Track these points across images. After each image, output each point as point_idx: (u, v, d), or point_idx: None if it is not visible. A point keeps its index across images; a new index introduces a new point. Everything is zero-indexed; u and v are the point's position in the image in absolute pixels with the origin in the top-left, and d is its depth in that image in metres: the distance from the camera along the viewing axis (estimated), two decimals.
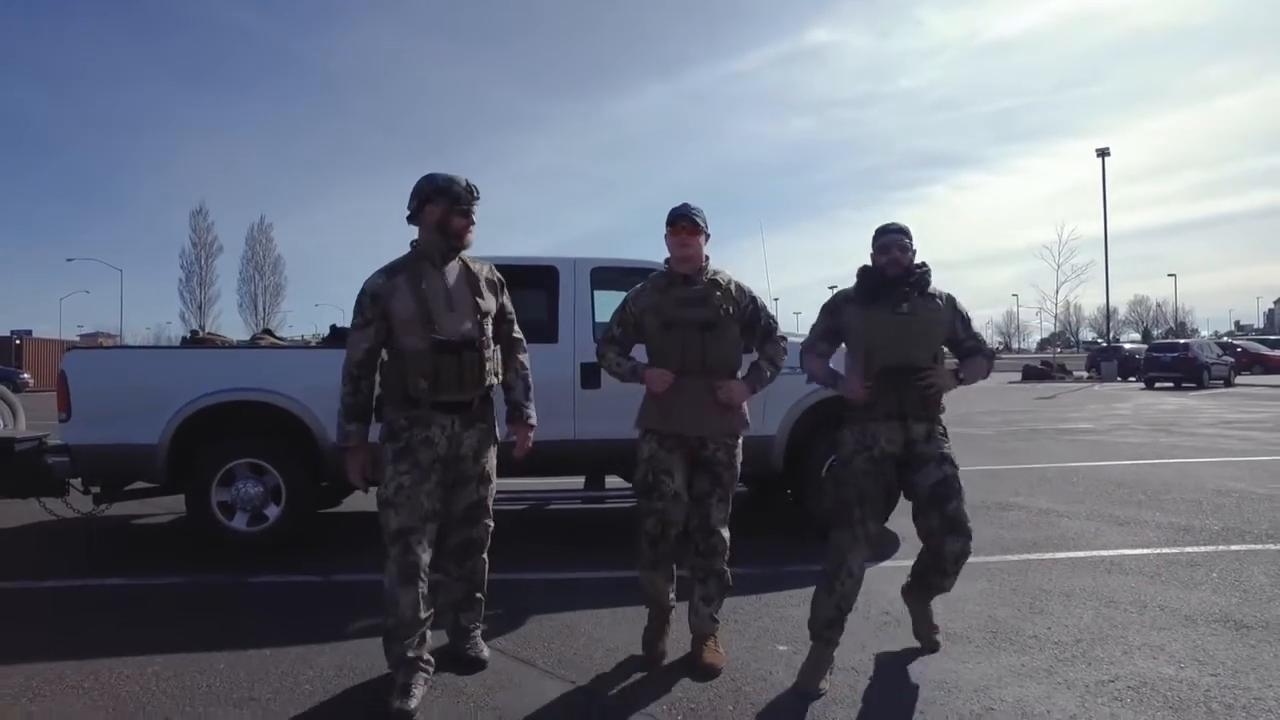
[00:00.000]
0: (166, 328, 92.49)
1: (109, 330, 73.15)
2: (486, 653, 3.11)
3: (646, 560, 3.08)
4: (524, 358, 3.19)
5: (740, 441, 3.12)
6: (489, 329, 2.95)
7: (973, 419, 14.57)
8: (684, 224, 3.03)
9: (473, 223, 2.92)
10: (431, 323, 2.79)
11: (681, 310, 3.03)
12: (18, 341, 34.58)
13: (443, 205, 2.85)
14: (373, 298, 2.82)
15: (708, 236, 3.11)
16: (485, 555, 3.11)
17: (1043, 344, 68.82)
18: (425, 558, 2.77)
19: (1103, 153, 36.74)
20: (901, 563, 4.62)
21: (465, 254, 3.00)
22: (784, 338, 3.22)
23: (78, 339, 56.79)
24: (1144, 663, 3.10)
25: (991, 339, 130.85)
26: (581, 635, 3.44)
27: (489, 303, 2.96)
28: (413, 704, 2.66)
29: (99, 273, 75.82)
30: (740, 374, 3.15)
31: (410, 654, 2.74)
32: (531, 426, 3.16)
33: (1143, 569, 4.44)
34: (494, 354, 2.99)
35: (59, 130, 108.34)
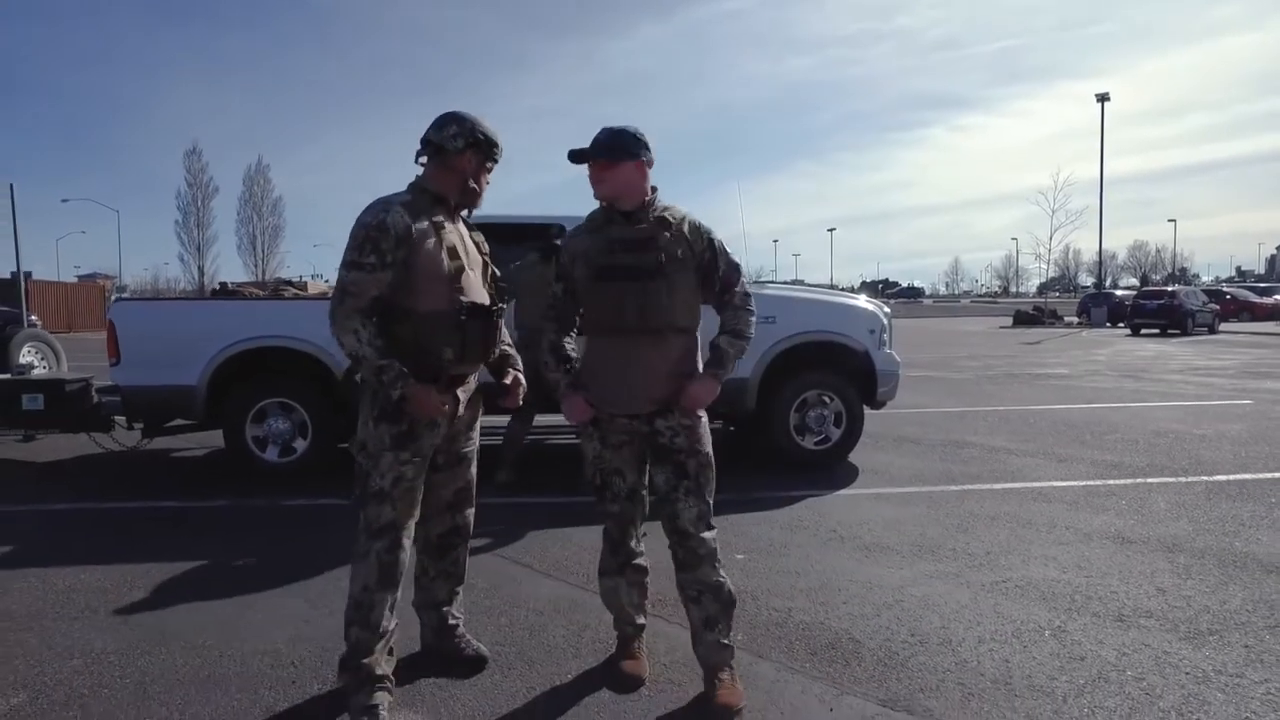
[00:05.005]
0: (164, 269, 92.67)
1: (107, 271, 73.36)
2: (484, 648, 2.80)
3: (608, 564, 2.66)
4: None
5: (703, 420, 2.55)
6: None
7: (954, 363, 15.22)
8: (597, 160, 2.46)
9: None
10: (459, 279, 2.42)
11: (617, 255, 2.46)
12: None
13: (479, 156, 2.49)
14: (399, 239, 2.32)
15: (648, 163, 2.49)
16: (468, 544, 2.78)
17: (1041, 289, 69.17)
18: (407, 556, 2.48)
19: (1102, 98, 36.63)
20: (857, 491, 5.29)
21: None
22: (747, 294, 2.58)
23: (76, 280, 57.06)
24: (1035, 569, 3.76)
25: (990, 283, 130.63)
26: (573, 545, 4.10)
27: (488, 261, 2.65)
28: None
29: (95, 214, 76.05)
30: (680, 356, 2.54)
31: (379, 671, 2.39)
32: (522, 371, 2.72)
33: (1064, 498, 5.09)
34: None
35: (48, 70, 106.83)
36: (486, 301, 2.52)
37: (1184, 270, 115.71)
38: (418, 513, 2.49)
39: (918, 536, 4.29)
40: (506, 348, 2.72)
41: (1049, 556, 3.93)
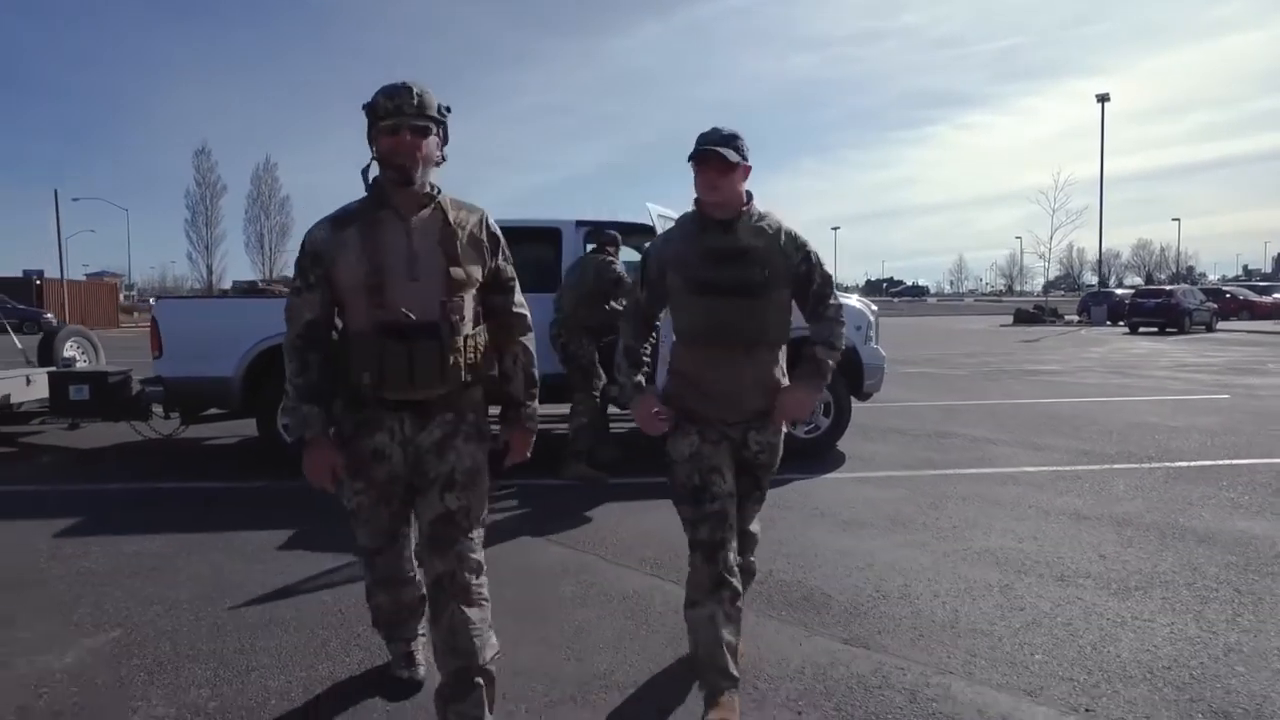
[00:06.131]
0: (171, 267, 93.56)
1: (114, 270, 74.18)
2: None
3: (705, 582, 2.32)
4: (528, 340, 2.37)
5: (782, 437, 2.57)
6: (468, 304, 2.21)
7: (950, 360, 15.62)
8: (713, 162, 2.32)
9: (407, 140, 2.10)
10: (382, 294, 2.10)
11: (713, 269, 2.36)
12: (37, 282, 35.60)
13: (371, 122, 2.13)
14: (315, 256, 2.16)
15: (747, 170, 2.38)
16: (472, 612, 2.13)
17: (1047, 287, 69.51)
18: (406, 557, 2.49)
19: (1102, 98, 36.97)
20: (842, 475, 5.72)
21: (451, 198, 2.24)
22: (840, 305, 2.52)
23: (84, 279, 57.82)
24: (995, 540, 4.19)
25: (995, 281, 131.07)
26: (579, 518, 4.55)
27: (470, 268, 2.20)
28: (421, 671, 2.61)
29: (102, 213, 76.98)
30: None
31: (405, 632, 2.63)
32: (531, 431, 2.39)
33: (1033, 481, 5.51)
34: (474, 340, 2.21)
35: (53, 69, 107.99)
36: (431, 316, 2.12)
37: (1190, 269, 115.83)
38: (400, 533, 2.41)
39: (893, 513, 4.72)
40: (527, 396, 2.38)
41: (1009, 529, 4.36)
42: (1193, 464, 5.96)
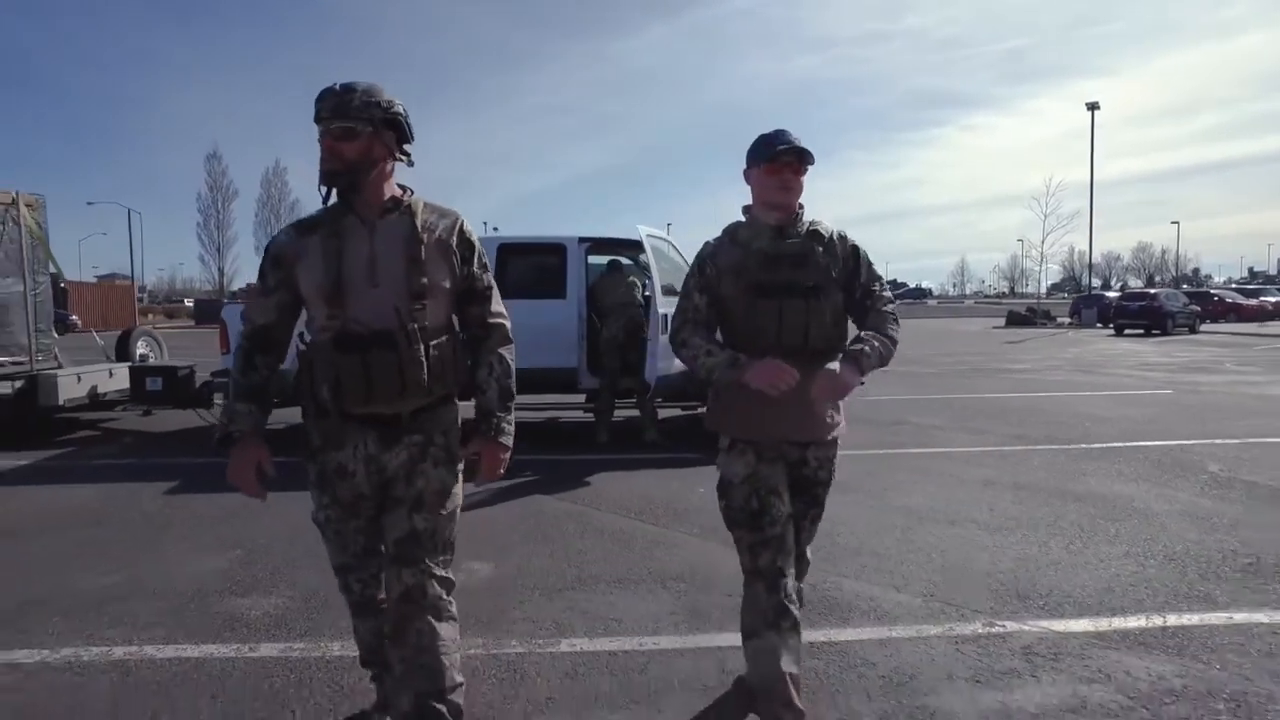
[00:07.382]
0: (180, 269, 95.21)
1: (124, 272, 75.73)
2: None
3: (767, 613, 2.19)
4: (506, 351, 2.25)
5: (838, 450, 2.43)
6: (435, 312, 2.12)
7: (931, 359, 16.62)
8: (790, 159, 2.27)
9: (327, 145, 2.04)
10: (340, 303, 2.04)
11: (775, 270, 2.27)
12: (63, 285, 36.78)
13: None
14: (275, 260, 2.13)
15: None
16: (443, 628, 2.10)
17: (1050, 290, 70.41)
18: (378, 588, 2.29)
19: (1092, 106, 38.00)
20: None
21: (426, 202, 2.18)
22: (892, 299, 2.42)
23: (96, 281, 59.20)
24: (914, 499, 5.23)
25: (998, 283, 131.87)
26: (580, 482, 5.62)
27: (436, 275, 2.11)
28: None
29: (109, 214, 78.38)
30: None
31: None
32: (504, 446, 2.21)
33: (962, 458, 6.55)
34: (440, 350, 2.12)
35: (55, 69, 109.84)
36: (388, 324, 2.04)
37: (1195, 271, 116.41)
38: (371, 558, 2.27)
39: (836, 482, 5.74)
40: (501, 408, 2.22)
41: (928, 492, 5.41)
42: (1104, 445, 6.99)
